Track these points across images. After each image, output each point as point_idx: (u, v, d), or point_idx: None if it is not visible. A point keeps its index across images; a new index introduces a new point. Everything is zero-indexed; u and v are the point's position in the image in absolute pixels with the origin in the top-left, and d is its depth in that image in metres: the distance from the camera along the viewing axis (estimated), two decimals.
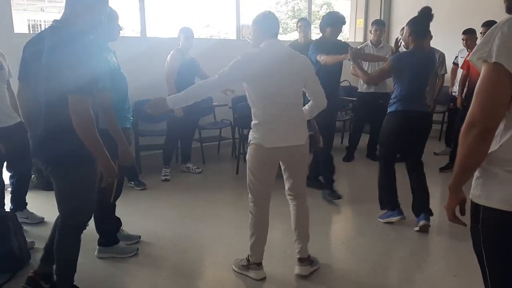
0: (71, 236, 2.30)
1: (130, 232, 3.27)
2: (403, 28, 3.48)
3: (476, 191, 1.40)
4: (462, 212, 1.50)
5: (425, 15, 3.26)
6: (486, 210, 1.37)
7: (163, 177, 4.71)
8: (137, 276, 2.80)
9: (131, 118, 2.94)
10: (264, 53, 2.53)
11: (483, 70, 1.31)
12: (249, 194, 2.69)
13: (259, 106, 2.54)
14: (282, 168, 2.72)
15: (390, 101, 3.46)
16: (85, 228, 2.39)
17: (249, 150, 2.61)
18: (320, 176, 4.32)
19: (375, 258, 3.04)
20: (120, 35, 2.85)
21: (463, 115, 4.97)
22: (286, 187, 2.76)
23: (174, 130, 4.79)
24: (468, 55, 4.94)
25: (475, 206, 1.41)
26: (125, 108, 2.81)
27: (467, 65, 4.94)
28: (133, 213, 3.77)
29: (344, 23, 4.03)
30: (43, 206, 3.79)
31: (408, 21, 3.34)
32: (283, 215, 3.14)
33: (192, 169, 5.01)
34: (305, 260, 2.75)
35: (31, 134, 2.31)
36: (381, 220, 3.60)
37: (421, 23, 3.30)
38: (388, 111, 3.46)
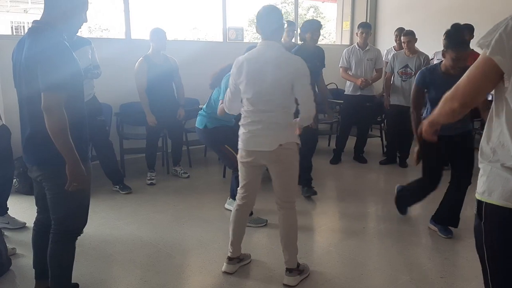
0: (66, 243, 2.24)
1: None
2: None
3: (480, 188, 1.43)
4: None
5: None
6: (488, 207, 1.39)
7: (149, 181, 4.65)
8: (121, 281, 2.75)
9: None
10: (252, 56, 2.56)
11: (481, 56, 1.36)
12: None
13: (244, 109, 2.62)
14: None
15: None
16: (80, 235, 2.33)
17: None
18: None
19: (363, 261, 3.03)
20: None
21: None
22: None
23: (152, 133, 4.72)
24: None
25: (479, 203, 1.43)
26: None
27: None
28: (119, 217, 3.71)
29: (321, 27, 4.34)
30: (25, 211, 3.71)
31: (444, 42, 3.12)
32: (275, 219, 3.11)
33: (179, 173, 4.95)
34: (294, 270, 2.69)
35: (21, 138, 2.25)
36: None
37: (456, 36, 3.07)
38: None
